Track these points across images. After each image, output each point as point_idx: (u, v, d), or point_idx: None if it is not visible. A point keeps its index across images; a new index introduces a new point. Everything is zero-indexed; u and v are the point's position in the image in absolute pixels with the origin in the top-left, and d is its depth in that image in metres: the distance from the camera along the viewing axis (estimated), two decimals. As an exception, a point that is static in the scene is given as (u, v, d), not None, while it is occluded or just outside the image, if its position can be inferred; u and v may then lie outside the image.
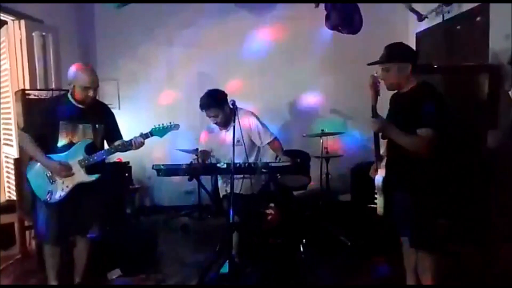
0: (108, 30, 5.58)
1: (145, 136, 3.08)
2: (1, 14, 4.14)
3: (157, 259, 3.91)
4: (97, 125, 3.08)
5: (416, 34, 4.82)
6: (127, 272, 3.58)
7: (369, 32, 4.58)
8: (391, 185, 2.63)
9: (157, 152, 5.49)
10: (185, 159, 4.01)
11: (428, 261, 2.62)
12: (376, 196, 2.72)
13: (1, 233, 4.01)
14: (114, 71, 5.65)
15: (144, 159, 5.17)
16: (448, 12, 4.17)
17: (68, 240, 3.23)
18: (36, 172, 2.98)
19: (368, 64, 2.70)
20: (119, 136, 3.25)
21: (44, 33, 4.47)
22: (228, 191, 3.15)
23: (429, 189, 2.53)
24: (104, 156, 3.06)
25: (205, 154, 3.55)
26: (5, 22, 4.30)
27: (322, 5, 4.49)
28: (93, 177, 3.01)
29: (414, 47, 4.73)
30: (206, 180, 4.32)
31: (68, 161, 2.95)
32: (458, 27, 4.07)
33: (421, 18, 4.66)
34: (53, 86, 4.49)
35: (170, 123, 3.16)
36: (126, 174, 5.03)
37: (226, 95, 3.48)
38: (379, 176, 2.66)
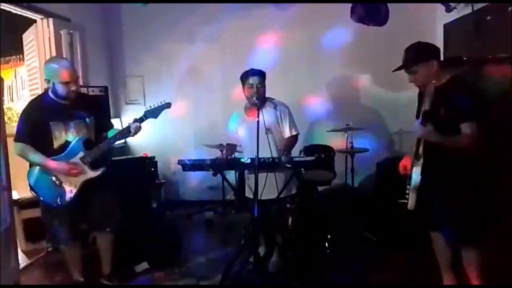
0: (133, 27, 5.66)
1: (140, 120, 3.04)
2: (30, 13, 4.25)
3: (182, 253, 3.95)
4: (87, 119, 3.03)
5: (444, 25, 4.69)
6: (153, 265, 3.64)
7: (395, 24, 4.48)
8: (428, 183, 2.56)
9: (183, 147, 5.57)
10: (210, 155, 4.04)
11: (472, 254, 2.58)
12: (407, 192, 2.65)
13: (31, 226, 4.13)
14: (140, 68, 5.75)
15: (169, 154, 5.22)
16: (478, 3, 4.04)
17: (86, 238, 3.27)
18: (39, 178, 2.93)
19: (393, 71, 2.69)
20: (110, 125, 3.26)
21: (71, 31, 4.57)
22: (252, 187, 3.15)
23: (468, 185, 2.49)
24: (105, 148, 3.00)
25: (231, 147, 3.56)
26: (34, 21, 4.41)
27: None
28: (99, 172, 2.99)
29: (442, 39, 4.63)
30: (230, 174, 4.34)
31: (69, 160, 2.91)
32: (489, 18, 3.94)
33: (449, 9, 4.53)
34: (81, 83, 4.58)
35: (161, 102, 3.11)
36: (152, 169, 5.09)
37: None
38: (415, 174, 2.57)
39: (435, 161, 2.53)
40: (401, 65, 2.65)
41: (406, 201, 2.67)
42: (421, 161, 2.57)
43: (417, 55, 2.59)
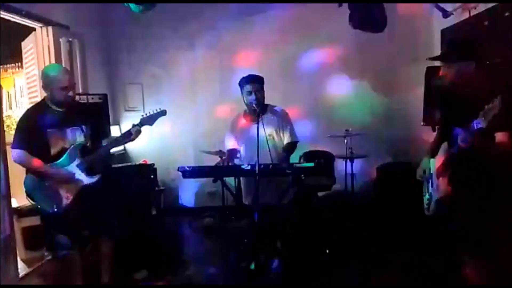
0: (133, 34, 5.66)
1: (137, 126, 3.05)
2: (29, 21, 4.25)
3: (182, 259, 3.94)
4: (83, 126, 3.05)
5: (442, 31, 4.72)
6: (153, 272, 3.63)
7: (393, 30, 4.51)
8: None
9: (182, 154, 5.56)
10: (210, 161, 4.04)
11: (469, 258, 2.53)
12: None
13: (31, 235, 4.10)
14: (138, 75, 5.75)
15: (169, 161, 5.22)
16: (475, 8, 4.06)
17: (86, 244, 3.25)
18: (35, 184, 2.93)
19: (428, 59, 2.53)
20: (107, 134, 3.28)
21: (70, 39, 4.58)
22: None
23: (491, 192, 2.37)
24: (102, 155, 3.04)
25: (233, 153, 3.55)
26: (33, 29, 4.42)
27: (345, 4, 4.43)
28: (95, 178, 3.00)
29: (439, 45, 4.66)
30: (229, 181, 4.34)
31: (66, 167, 2.93)
32: (486, 23, 3.96)
33: (446, 14, 4.55)
34: (80, 90, 4.58)
35: (156, 109, 3.11)
36: (152, 176, 5.08)
37: None
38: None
39: (465, 172, 2.43)
40: (438, 55, 2.48)
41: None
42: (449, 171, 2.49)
43: (457, 50, 2.40)
